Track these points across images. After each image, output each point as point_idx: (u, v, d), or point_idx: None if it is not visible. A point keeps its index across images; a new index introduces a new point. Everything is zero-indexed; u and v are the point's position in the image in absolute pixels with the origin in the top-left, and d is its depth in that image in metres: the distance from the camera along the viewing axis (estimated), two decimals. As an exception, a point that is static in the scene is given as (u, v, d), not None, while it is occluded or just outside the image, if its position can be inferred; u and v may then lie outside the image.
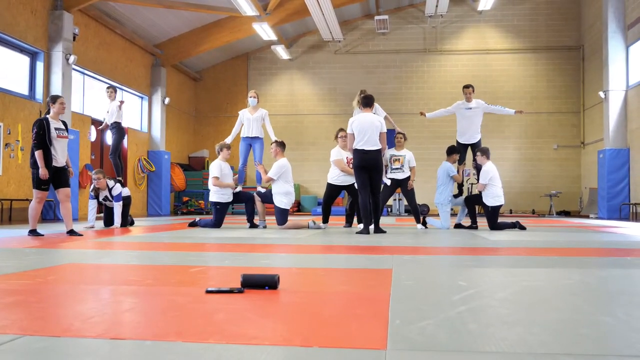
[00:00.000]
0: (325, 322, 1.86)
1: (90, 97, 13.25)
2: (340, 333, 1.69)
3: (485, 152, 7.80)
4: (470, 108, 8.46)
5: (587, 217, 14.88)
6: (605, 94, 14.11)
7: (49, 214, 10.90)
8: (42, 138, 6.02)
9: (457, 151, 8.16)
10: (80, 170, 11.96)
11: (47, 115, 6.18)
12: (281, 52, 17.45)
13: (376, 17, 16.71)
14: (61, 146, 6.21)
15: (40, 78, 11.04)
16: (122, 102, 9.38)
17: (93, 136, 13.06)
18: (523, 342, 1.58)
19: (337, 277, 3.04)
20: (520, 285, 2.65)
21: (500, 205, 7.66)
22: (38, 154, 6.00)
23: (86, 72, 12.86)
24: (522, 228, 7.63)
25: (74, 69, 11.82)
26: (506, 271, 3.31)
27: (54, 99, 6.24)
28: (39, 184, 6.07)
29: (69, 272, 3.21)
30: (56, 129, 6.15)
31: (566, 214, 16.84)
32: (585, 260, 3.90)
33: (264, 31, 14.88)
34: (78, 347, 1.54)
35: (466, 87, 8.60)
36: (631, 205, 13.26)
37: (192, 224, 8.16)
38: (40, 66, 11.05)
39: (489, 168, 7.63)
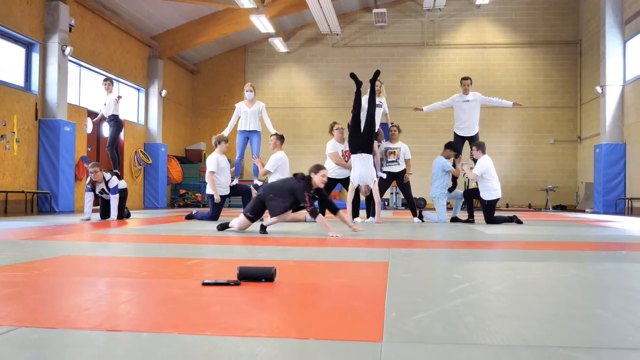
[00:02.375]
0: (322, 315, 1.86)
1: (87, 88, 13.19)
2: (336, 325, 1.69)
3: (481, 147, 7.79)
4: (468, 100, 8.46)
5: (583, 211, 14.93)
6: (602, 89, 14.12)
7: (45, 206, 10.87)
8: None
9: (452, 148, 8.14)
10: (76, 163, 11.92)
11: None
12: (279, 44, 17.39)
13: (374, 10, 16.67)
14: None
15: (35, 69, 10.98)
16: (119, 97, 9.32)
17: (89, 128, 13.02)
18: (518, 335, 1.58)
19: (333, 270, 3.05)
20: (516, 279, 2.65)
21: (497, 199, 7.66)
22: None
23: (82, 63, 12.80)
24: (519, 222, 7.64)
25: (70, 61, 11.75)
26: (502, 265, 3.32)
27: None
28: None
29: (65, 264, 3.20)
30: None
31: (562, 208, 16.90)
32: (580, 254, 3.92)
33: (262, 24, 14.81)
34: (74, 339, 1.54)
35: (464, 78, 8.60)
36: (627, 200, 13.31)
37: (189, 217, 8.14)
38: (36, 57, 10.99)
39: (485, 161, 7.64)
